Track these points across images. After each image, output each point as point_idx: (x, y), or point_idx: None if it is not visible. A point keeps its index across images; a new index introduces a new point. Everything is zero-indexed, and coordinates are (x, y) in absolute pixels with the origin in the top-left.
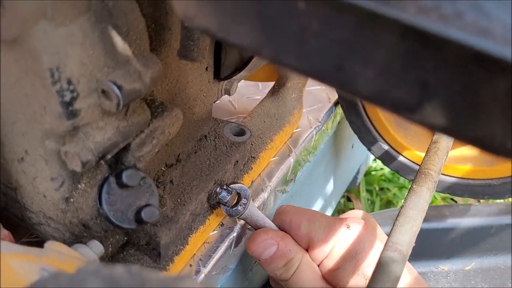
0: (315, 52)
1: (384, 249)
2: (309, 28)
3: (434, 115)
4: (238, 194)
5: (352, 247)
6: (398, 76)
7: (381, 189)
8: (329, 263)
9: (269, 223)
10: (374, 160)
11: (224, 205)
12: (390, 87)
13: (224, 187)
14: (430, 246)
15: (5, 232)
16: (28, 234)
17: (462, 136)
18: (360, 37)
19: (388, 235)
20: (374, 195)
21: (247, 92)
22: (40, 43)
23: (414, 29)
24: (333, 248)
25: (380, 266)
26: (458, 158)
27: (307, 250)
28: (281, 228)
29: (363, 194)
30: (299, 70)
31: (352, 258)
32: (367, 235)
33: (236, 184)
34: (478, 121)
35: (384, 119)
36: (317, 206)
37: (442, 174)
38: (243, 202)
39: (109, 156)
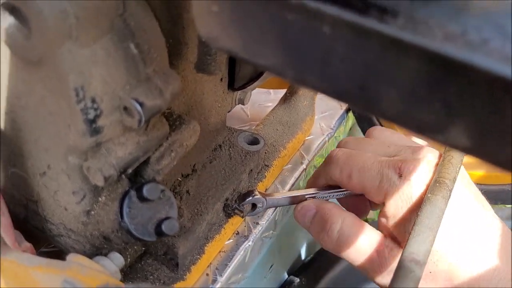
0: (339, 74)
1: (400, 259)
2: (333, 51)
3: (458, 137)
4: (254, 204)
5: (407, 196)
6: (422, 98)
7: None
8: (388, 216)
9: (300, 193)
10: None
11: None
12: (414, 109)
13: (236, 206)
14: None
15: (27, 244)
16: (46, 244)
17: (486, 157)
18: (385, 61)
19: (405, 243)
20: None
21: (259, 99)
22: (66, 63)
23: (441, 56)
24: (386, 199)
25: (397, 277)
26: (470, 164)
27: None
28: (332, 179)
29: None
30: (322, 90)
31: (411, 209)
32: (420, 180)
33: (246, 200)
34: (502, 143)
35: (396, 126)
36: None
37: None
38: (259, 206)
39: (130, 171)
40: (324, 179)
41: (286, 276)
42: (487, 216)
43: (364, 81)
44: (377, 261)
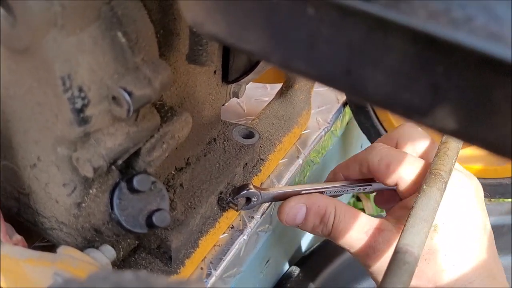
0: (324, 57)
1: (394, 251)
2: (318, 33)
3: (445, 118)
4: (248, 198)
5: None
6: (409, 79)
7: None
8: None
9: (294, 188)
10: None
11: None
12: (401, 91)
13: (230, 199)
14: None
15: (18, 237)
16: (41, 239)
17: (474, 139)
18: (370, 42)
19: (400, 235)
20: None
21: (255, 94)
22: (51, 52)
23: (424, 34)
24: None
25: (391, 268)
26: (469, 157)
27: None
28: (369, 166)
29: (373, 193)
30: (308, 75)
31: None
32: None
33: (241, 193)
34: (490, 124)
35: (393, 120)
36: None
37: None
38: (253, 200)
39: (120, 162)
40: (359, 167)
41: (284, 271)
42: (481, 217)
43: (350, 63)
44: (371, 247)
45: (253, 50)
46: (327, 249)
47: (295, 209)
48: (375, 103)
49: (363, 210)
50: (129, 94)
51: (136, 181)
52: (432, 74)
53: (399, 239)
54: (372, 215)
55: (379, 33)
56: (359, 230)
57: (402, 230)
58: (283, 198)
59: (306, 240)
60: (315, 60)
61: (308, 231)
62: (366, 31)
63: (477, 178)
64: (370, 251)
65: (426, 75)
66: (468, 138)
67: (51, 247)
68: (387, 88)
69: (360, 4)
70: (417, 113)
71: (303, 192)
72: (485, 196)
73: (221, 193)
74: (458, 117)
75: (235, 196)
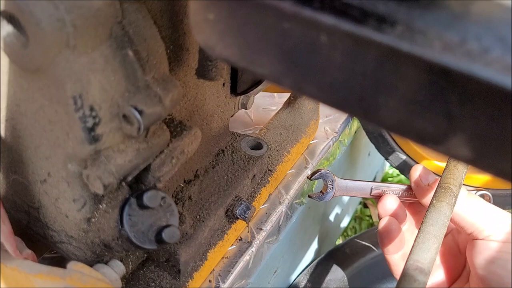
0: (337, 83)
1: (405, 267)
2: (331, 60)
3: (459, 147)
4: (325, 180)
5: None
6: (423, 107)
7: None
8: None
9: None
10: (391, 166)
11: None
12: (414, 118)
13: (245, 203)
14: None
15: (28, 251)
16: (49, 250)
17: (487, 168)
18: (384, 70)
19: (410, 251)
20: None
21: (263, 103)
22: (63, 71)
23: (439, 66)
24: None
25: (402, 285)
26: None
27: None
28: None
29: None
30: (321, 99)
31: None
32: None
33: (315, 175)
34: (504, 154)
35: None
36: (334, 215)
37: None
38: (330, 185)
39: (130, 178)
40: None
41: (292, 281)
42: None
43: (363, 90)
44: None
45: (265, 74)
46: (334, 259)
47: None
48: (388, 129)
49: (370, 217)
50: (140, 112)
51: (146, 198)
52: (447, 103)
53: (409, 255)
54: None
55: (393, 62)
56: None
57: (413, 246)
58: (356, 190)
59: (312, 250)
60: (327, 86)
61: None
62: (380, 60)
63: (487, 188)
64: None
65: (441, 104)
66: (482, 166)
67: (59, 259)
68: (400, 116)
69: (374, 35)
70: (430, 140)
71: (373, 187)
72: None
73: (229, 205)
74: (472, 146)
75: (311, 178)
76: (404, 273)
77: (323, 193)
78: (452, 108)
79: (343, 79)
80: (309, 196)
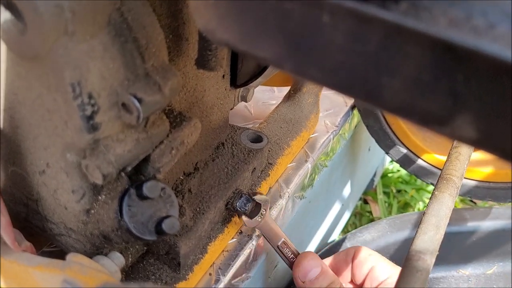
0: (340, 65)
1: (407, 258)
2: (334, 41)
3: (464, 127)
4: (258, 204)
5: None
6: (427, 87)
7: (399, 191)
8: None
9: (282, 234)
10: (391, 162)
11: (244, 214)
12: (419, 99)
13: (246, 195)
14: (451, 250)
15: (27, 244)
16: (49, 244)
17: (493, 149)
18: (387, 50)
19: (411, 242)
20: (392, 197)
21: (263, 97)
22: (61, 58)
23: (445, 42)
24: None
25: (404, 276)
26: (480, 161)
27: None
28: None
29: (380, 196)
30: (323, 82)
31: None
32: None
33: (259, 195)
34: (510, 133)
35: (402, 122)
36: (334, 210)
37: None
38: (262, 212)
39: (129, 168)
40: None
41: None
42: None
43: (366, 71)
44: None
45: (266, 57)
46: (335, 253)
47: (312, 265)
48: (392, 111)
49: (370, 213)
50: (139, 100)
51: (145, 188)
52: (452, 82)
53: (411, 245)
54: (379, 218)
55: (397, 41)
56: None
57: (414, 237)
58: (272, 233)
59: (313, 244)
60: (330, 68)
61: None
62: (384, 39)
63: (489, 182)
64: None
65: (445, 83)
66: (487, 147)
67: (59, 252)
68: (404, 96)
69: (378, 12)
70: (435, 121)
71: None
72: (494, 201)
73: (229, 198)
74: (477, 126)
75: (253, 197)
76: (406, 264)
77: (251, 217)
78: (457, 86)
79: (346, 61)
80: (238, 216)
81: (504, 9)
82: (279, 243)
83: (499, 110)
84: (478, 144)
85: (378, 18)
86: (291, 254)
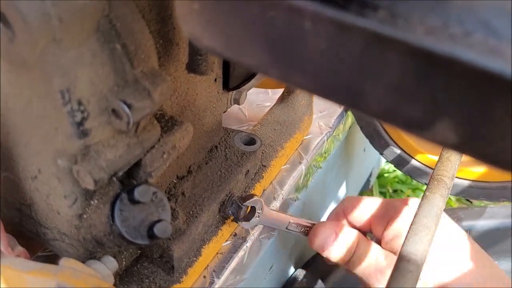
0: (323, 71)
1: (398, 259)
2: (316, 47)
3: (445, 132)
4: (253, 207)
5: (408, 217)
6: (408, 93)
7: (395, 191)
8: (388, 234)
9: (287, 218)
10: (387, 162)
11: (239, 220)
12: (401, 105)
13: (236, 202)
14: None
15: (20, 249)
16: (43, 249)
17: (474, 153)
18: (368, 57)
19: (403, 243)
20: (388, 197)
21: (257, 99)
22: (50, 66)
23: (422, 50)
24: (390, 220)
25: (395, 277)
26: (472, 161)
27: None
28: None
29: (376, 196)
30: (307, 88)
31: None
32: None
33: (249, 200)
34: (490, 138)
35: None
36: (329, 211)
37: (456, 177)
38: (258, 212)
39: (120, 173)
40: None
41: (289, 275)
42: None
43: (349, 78)
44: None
45: (251, 64)
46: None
47: (326, 234)
48: (376, 116)
49: None
50: (129, 106)
51: (137, 192)
52: (432, 89)
53: (402, 246)
54: None
55: (377, 48)
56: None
57: (405, 238)
58: (278, 222)
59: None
60: (312, 74)
61: (331, 258)
62: (364, 46)
63: (482, 181)
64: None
65: (425, 89)
66: (468, 152)
67: (53, 257)
68: (386, 102)
69: (356, 20)
70: (417, 127)
71: (291, 221)
72: (488, 200)
73: (223, 201)
74: (458, 131)
75: (244, 202)
76: (398, 265)
77: (248, 219)
78: (437, 93)
79: (329, 67)
80: (233, 220)
81: (480, 18)
82: (287, 226)
83: (478, 115)
84: (458, 148)
85: (357, 27)
86: (303, 228)
